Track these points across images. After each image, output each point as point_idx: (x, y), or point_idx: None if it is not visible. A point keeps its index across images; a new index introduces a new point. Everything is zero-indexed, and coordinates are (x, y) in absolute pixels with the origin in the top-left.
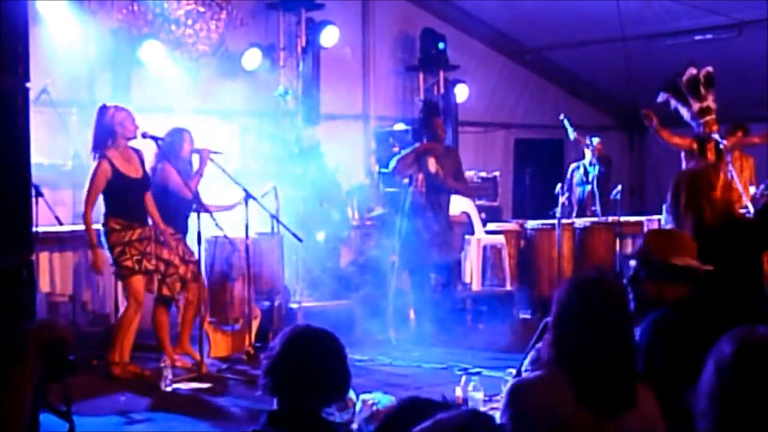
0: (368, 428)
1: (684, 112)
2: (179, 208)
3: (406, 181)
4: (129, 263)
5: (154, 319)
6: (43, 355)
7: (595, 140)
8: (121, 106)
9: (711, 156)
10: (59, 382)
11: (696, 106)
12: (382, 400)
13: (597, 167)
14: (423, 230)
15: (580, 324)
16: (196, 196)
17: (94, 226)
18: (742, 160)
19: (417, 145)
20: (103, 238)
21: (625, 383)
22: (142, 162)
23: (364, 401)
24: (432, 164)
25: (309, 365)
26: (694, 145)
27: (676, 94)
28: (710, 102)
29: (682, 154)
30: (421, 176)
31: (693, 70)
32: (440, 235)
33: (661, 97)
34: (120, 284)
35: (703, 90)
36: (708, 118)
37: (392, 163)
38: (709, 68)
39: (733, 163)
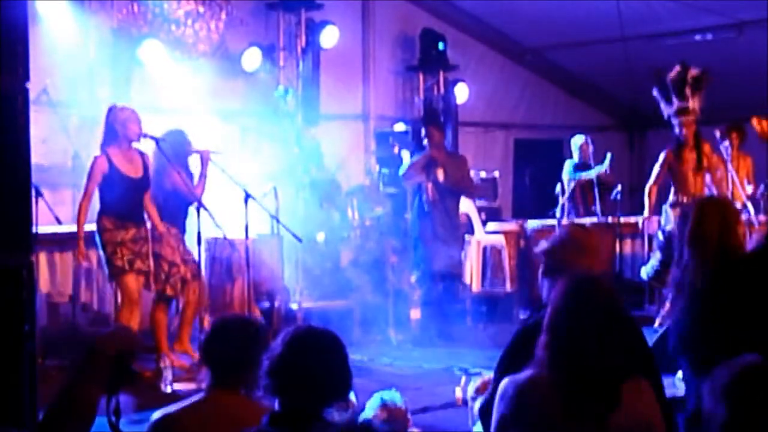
0: (384, 427)
1: (664, 109)
2: (181, 208)
3: (409, 186)
4: (119, 263)
5: (153, 318)
6: (111, 364)
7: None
8: (127, 106)
9: (690, 156)
10: (114, 393)
11: (676, 104)
12: (394, 397)
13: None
14: (431, 234)
15: (568, 324)
16: (199, 198)
17: (89, 227)
18: (739, 159)
19: (426, 152)
20: (96, 237)
21: (610, 385)
22: (146, 166)
23: (384, 403)
24: (441, 174)
25: (311, 366)
26: (670, 156)
27: (662, 89)
28: (693, 104)
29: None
30: (430, 185)
31: (678, 68)
32: (448, 239)
33: (655, 92)
34: (116, 284)
35: (688, 90)
36: (684, 118)
37: (403, 169)
38: (698, 70)
39: (732, 162)
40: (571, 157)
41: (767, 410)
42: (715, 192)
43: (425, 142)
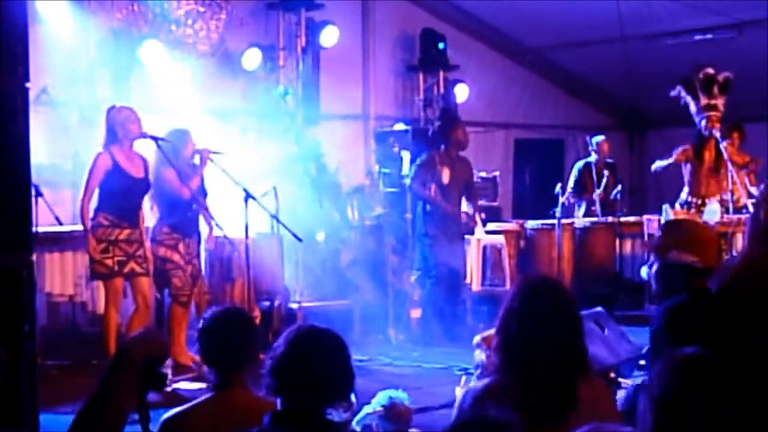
0: (386, 426)
1: (691, 105)
2: (178, 209)
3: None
4: (110, 262)
5: (170, 312)
6: (140, 369)
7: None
8: (126, 106)
9: (709, 156)
10: (142, 398)
11: (704, 101)
12: (402, 397)
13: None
14: (435, 234)
15: (522, 326)
16: (195, 195)
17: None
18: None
19: (427, 158)
20: (89, 233)
21: (567, 388)
22: (146, 168)
23: (393, 401)
24: (446, 176)
25: (313, 365)
26: (690, 152)
27: (689, 87)
28: (719, 102)
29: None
30: (434, 186)
31: (711, 70)
32: (451, 238)
33: (675, 91)
34: (103, 285)
35: (716, 90)
36: (712, 113)
37: (407, 181)
38: (729, 74)
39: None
40: (578, 158)
41: (700, 400)
42: (727, 196)
43: (450, 138)
